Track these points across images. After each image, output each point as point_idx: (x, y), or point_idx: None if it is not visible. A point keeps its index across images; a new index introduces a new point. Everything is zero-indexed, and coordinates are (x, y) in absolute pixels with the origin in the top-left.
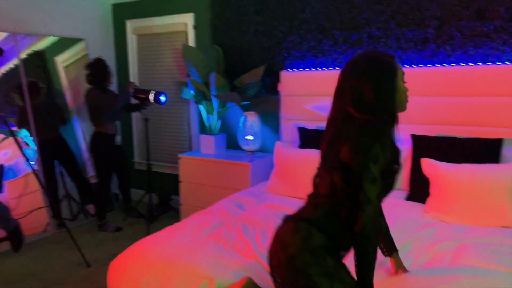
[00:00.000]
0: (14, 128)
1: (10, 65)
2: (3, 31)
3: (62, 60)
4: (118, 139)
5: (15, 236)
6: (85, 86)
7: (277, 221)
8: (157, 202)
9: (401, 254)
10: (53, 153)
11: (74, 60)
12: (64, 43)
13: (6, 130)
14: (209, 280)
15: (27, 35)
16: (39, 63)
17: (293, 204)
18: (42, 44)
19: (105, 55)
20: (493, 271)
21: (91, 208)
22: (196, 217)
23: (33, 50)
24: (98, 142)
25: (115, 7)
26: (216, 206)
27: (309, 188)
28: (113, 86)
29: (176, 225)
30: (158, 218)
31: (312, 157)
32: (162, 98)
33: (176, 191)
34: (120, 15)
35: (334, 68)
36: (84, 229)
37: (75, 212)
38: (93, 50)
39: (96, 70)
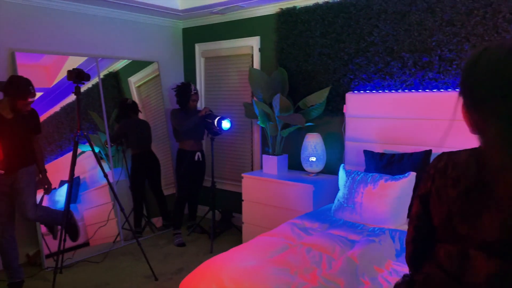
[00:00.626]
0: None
1: (88, 85)
2: (85, 55)
3: (135, 81)
4: (199, 155)
5: (71, 227)
6: (155, 104)
7: (344, 248)
8: (219, 219)
9: None
10: (144, 166)
11: (146, 81)
12: (137, 65)
13: (84, 145)
14: None
15: (105, 58)
16: (115, 83)
17: (360, 231)
18: (117, 66)
19: (174, 76)
20: None
21: (157, 221)
22: (261, 239)
23: (109, 71)
24: (179, 158)
25: (185, 31)
26: (280, 228)
27: (376, 214)
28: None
29: (241, 247)
30: (220, 235)
31: (380, 182)
32: (225, 125)
33: (237, 209)
34: (189, 38)
35: (403, 90)
36: (150, 242)
37: (142, 225)
38: (164, 72)
39: (179, 93)
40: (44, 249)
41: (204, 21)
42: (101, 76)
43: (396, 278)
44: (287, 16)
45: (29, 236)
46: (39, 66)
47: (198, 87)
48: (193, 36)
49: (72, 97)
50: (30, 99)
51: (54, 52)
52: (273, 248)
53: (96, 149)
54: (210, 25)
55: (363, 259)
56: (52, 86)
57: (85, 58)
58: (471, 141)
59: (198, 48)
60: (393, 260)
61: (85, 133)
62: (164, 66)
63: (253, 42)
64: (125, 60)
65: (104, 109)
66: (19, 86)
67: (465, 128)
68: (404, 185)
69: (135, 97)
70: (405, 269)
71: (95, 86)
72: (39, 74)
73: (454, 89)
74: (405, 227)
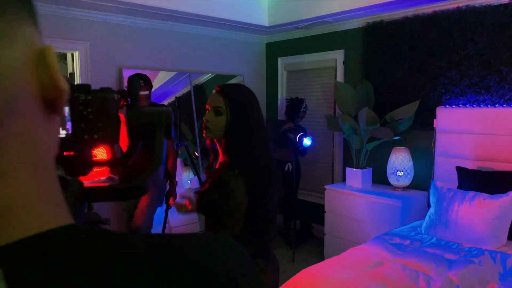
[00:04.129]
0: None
1: (172, 98)
2: (178, 70)
3: None
4: (289, 166)
5: None
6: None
7: (441, 267)
8: (299, 229)
9: None
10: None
11: None
12: (220, 78)
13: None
14: None
15: (194, 73)
16: (200, 95)
17: (456, 250)
18: (202, 79)
19: (258, 89)
20: None
21: None
22: (354, 252)
23: (195, 84)
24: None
25: (269, 45)
26: (372, 243)
27: (472, 233)
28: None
29: (335, 259)
30: (300, 245)
31: (477, 200)
32: (306, 142)
33: (316, 220)
34: (272, 52)
35: (501, 105)
36: None
37: None
38: (248, 84)
39: (290, 106)
40: None
41: (287, 36)
42: (187, 90)
43: None
44: (374, 29)
45: None
46: None
47: (279, 98)
48: (276, 50)
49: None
50: (144, 92)
51: (152, 67)
52: (367, 262)
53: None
54: (293, 39)
55: (463, 280)
56: None
57: (175, 72)
58: None
59: (281, 61)
60: (497, 284)
61: (185, 143)
62: (248, 79)
63: (337, 56)
64: (210, 74)
65: (196, 119)
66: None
67: None
68: (504, 205)
69: None
70: None
71: (181, 97)
72: None
73: None
74: (505, 249)
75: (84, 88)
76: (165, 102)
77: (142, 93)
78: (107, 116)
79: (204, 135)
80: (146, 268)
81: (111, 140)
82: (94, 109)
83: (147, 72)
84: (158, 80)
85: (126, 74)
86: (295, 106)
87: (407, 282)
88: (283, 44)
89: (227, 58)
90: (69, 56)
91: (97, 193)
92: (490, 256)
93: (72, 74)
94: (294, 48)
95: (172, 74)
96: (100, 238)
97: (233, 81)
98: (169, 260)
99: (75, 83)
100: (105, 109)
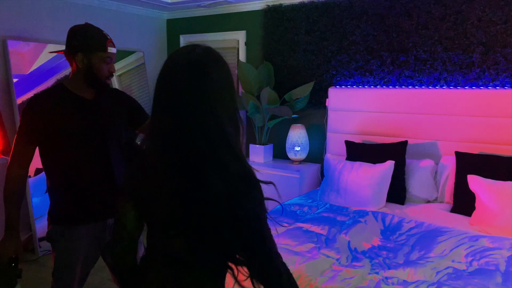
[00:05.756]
0: None
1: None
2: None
3: (117, 69)
4: None
5: None
6: (137, 94)
7: (334, 227)
8: None
9: (455, 257)
10: None
11: (128, 70)
12: (119, 54)
13: None
14: None
15: None
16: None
17: (346, 213)
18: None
19: (160, 66)
20: None
21: None
22: None
23: None
24: None
25: (170, 22)
26: (272, 212)
27: (358, 198)
28: None
29: None
30: None
31: (362, 169)
32: None
33: None
34: (174, 30)
35: (381, 86)
36: None
37: None
38: (148, 62)
39: None
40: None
41: (189, 13)
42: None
43: (383, 252)
44: (274, 12)
45: (21, 221)
46: (15, 52)
47: None
48: (178, 27)
49: (48, 84)
50: (110, 51)
51: (40, 40)
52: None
53: None
54: (196, 17)
55: (353, 237)
56: (28, 72)
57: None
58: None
59: (183, 39)
60: (379, 238)
61: None
62: (148, 56)
63: (239, 36)
64: None
65: None
66: (95, 33)
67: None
68: (383, 171)
69: (115, 85)
70: (390, 244)
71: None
72: (16, 61)
73: (427, 86)
74: (384, 209)
75: None
76: (53, 79)
77: (111, 50)
78: None
79: None
80: None
81: None
82: None
83: (34, 45)
84: (47, 54)
85: (12, 46)
86: None
87: (307, 243)
88: (185, 22)
89: (126, 33)
90: None
91: None
92: (373, 216)
93: None
94: (197, 27)
95: (63, 46)
96: None
97: (132, 57)
98: None
99: None
100: None
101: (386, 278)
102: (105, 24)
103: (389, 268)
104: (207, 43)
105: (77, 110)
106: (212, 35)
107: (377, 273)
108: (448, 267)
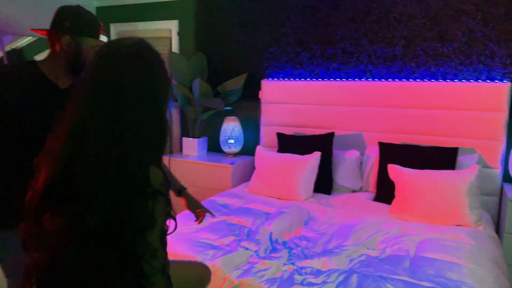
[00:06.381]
0: None
1: None
2: None
3: (40, 59)
4: None
5: None
6: None
7: (259, 219)
8: None
9: (370, 245)
10: None
11: None
12: (44, 42)
13: None
14: None
15: (7, 35)
16: (18, 60)
17: (273, 204)
18: (21, 43)
19: None
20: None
21: None
22: (184, 215)
23: (12, 48)
24: None
25: (100, 9)
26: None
27: (286, 189)
28: None
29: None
30: None
31: (290, 161)
32: None
33: None
34: (104, 18)
35: (311, 79)
36: None
37: None
38: None
39: None
40: None
41: (120, 1)
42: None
43: (303, 242)
44: (206, 2)
45: None
46: None
47: None
48: (108, 15)
49: None
50: (102, 39)
51: None
52: (194, 223)
53: None
54: (126, 5)
55: (276, 228)
56: None
57: None
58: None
59: (114, 28)
60: (302, 228)
61: None
62: None
63: (172, 26)
64: (30, 37)
65: None
66: (89, 18)
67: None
68: (311, 162)
69: None
70: (311, 234)
71: None
72: None
73: (354, 79)
74: (311, 199)
75: None
76: None
77: (102, 38)
78: None
79: None
80: None
81: None
82: None
83: None
84: None
85: None
86: None
87: (229, 236)
88: (115, 10)
89: (49, 20)
90: None
91: None
92: (299, 207)
93: None
94: (128, 15)
95: None
96: None
97: None
98: None
99: None
100: None
101: (301, 268)
102: (28, 11)
103: (305, 258)
104: (138, 32)
105: (47, 100)
106: (144, 24)
107: (293, 263)
108: (361, 255)
